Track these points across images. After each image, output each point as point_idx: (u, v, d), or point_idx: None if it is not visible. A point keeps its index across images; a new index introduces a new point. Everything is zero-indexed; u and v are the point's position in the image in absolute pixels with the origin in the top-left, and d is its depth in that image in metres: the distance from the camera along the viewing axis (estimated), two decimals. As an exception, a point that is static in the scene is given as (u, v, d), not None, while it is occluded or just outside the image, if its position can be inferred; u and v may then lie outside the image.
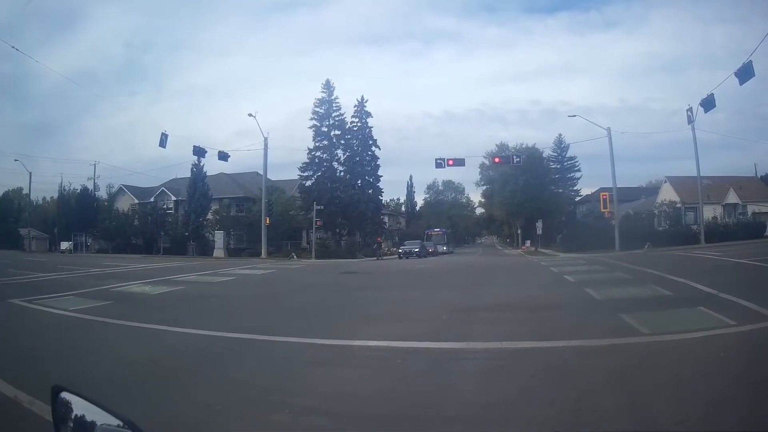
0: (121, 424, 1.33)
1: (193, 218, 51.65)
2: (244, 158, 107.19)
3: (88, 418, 1.37)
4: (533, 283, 17.28)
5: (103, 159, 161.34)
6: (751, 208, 49.83)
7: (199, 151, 42.77)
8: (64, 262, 30.22)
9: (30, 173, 60.11)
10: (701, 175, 41.81)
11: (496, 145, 71.57)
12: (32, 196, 67.56)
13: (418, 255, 45.27)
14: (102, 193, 65.39)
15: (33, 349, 7.80)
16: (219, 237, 49.05)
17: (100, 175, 65.88)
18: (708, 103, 29.81)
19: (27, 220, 61.08)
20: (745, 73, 24.60)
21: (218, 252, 47.45)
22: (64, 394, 1.44)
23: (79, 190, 61.78)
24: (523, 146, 62.59)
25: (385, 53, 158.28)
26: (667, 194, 51.82)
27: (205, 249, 49.44)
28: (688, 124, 37.76)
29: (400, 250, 48.30)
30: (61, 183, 62.86)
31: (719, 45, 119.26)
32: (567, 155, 68.43)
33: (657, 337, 7.36)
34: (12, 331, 9.53)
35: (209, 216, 52.43)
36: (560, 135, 68.87)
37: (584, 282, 14.75)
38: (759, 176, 58.36)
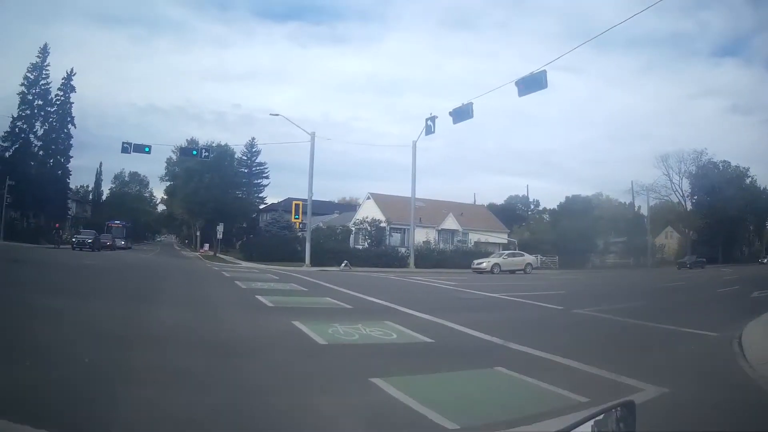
0: None
1: None
2: None
3: None
4: (218, 303, 12.68)
5: None
6: (475, 236, 48.46)
7: None
8: None
9: None
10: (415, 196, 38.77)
11: (187, 140, 64.17)
12: None
13: (92, 247, 41.58)
14: None
15: None
16: None
17: None
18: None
19: None
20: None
21: None
22: None
23: None
24: (215, 144, 57.99)
25: (112, 34, 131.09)
26: (371, 211, 47.51)
27: None
28: (413, 146, 37.46)
29: (74, 240, 44.10)
30: None
31: (454, 76, 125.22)
32: (257, 160, 66.49)
33: None
34: None
35: None
36: (253, 138, 66.76)
37: (289, 311, 11.07)
38: (485, 204, 60.09)
